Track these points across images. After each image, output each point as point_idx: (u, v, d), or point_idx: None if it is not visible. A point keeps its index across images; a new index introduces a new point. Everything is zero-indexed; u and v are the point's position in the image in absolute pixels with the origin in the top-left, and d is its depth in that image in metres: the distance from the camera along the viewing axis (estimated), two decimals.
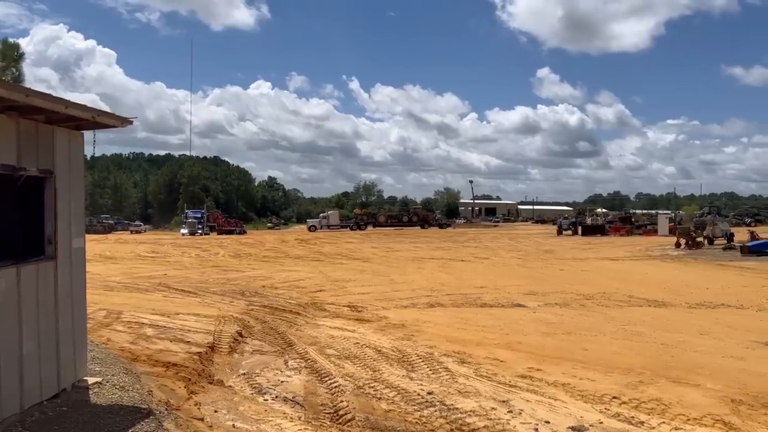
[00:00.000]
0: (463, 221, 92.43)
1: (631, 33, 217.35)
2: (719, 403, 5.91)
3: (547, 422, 5.49)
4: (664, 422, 5.44)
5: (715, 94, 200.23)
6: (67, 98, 4.79)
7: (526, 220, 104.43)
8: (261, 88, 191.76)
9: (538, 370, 7.26)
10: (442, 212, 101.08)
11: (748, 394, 6.16)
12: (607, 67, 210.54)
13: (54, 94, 4.65)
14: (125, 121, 5.51)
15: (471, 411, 5.81)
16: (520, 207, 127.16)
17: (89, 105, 5.11)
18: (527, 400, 6.13)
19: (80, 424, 4.41)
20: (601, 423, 5.45)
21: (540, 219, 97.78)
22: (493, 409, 5.88)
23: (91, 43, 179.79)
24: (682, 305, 12.33)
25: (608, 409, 5.80)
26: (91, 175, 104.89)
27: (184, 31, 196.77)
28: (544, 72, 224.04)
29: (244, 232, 60.71)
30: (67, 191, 5.14)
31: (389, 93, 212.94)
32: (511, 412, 5.80)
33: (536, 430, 5.35)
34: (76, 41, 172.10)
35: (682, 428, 5.29)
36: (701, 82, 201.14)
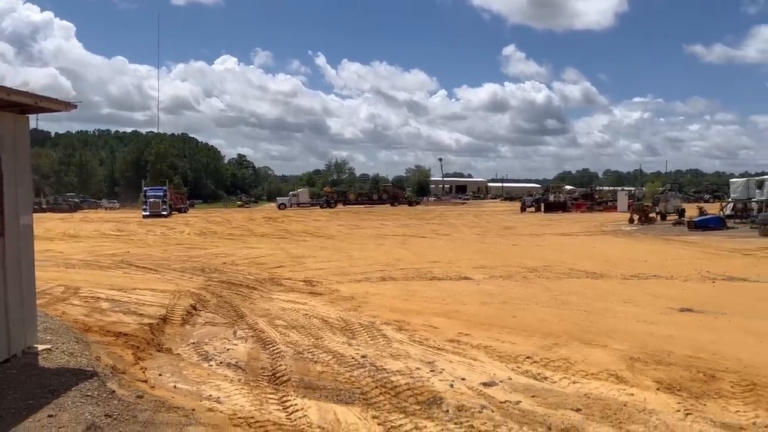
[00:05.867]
0: (433, 199, 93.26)
1: (594, 11, 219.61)
2: (618, 360, 6.59)
3: (463, 379, 6.09)
4: (565, 377, 6.09)
5: (677, 71, 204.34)
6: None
7: (495, 198, 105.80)
8: (226, 63, 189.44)
9: (466, 335, 7.87)
10: (413, 190, 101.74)
11: (647, 352, 6.86)
12: (572, 44, 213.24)
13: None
14: (69, 106, 5.86)
15: (397, 371, 6.38)
16: (490, 184, 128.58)
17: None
18: (450, 361, 6.73)
19: (28, 384, 4.86)
20: (510, 379, 6.07)
21: (509, 196, 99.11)
22: (417, 369, 6.46)
23: (48, 15, 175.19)
24: (618, 276, 13.12)
25: (519, 367, 6.43)
26: (56, 153, 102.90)
27: (143, 5, 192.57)
28: (510, 49, 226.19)
29: (186, 211, 59.40)
30: (13, 173, 5.49)
31: (356, 69, 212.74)
32: (433, 371, 6.38)
33: (451, 385, 5.94)
34: (32, 13, 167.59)
35: (579, 382, 5.95)
36: (664, 59, 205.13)
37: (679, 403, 5.35)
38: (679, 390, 5.67)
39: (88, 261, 16.82)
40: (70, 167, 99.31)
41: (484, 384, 5.95)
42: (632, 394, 5.57)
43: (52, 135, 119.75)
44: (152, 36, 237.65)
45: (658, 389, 5.70)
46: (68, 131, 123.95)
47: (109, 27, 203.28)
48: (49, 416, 4.17)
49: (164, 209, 49.82)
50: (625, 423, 4.94)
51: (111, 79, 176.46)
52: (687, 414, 5.10)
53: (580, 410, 5.21)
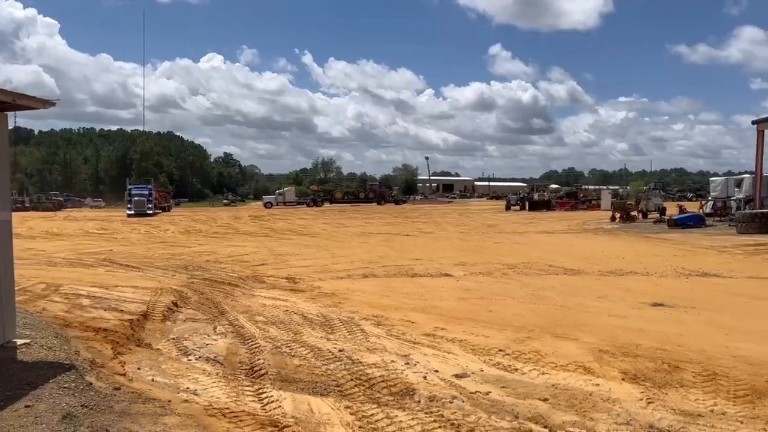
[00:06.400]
0: (420, 198, 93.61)
1: (579, 10, 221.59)
2: (588, 353, 6.78)
3: (436, 371, 6.25)
4: (535, 369, 6.28)
5: (662, 71, 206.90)
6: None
7: (482, 197, 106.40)
8: (212, 61, 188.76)
9: (442, 329, 8.04)
10: (400, 189, 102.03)
11: (615, 345, 7.06)
12: (558, 44, 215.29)
13: None
14: (47, 104, 5.93)
15: (373, 364, 6.53)
16: (476, 183, 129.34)
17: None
18: (425, 354, 6.89)
19: (5, 376, 4.95)
20: (482, 371, 6.24)
21: (495, 195, 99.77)
22: (392, 361, 6.61)
23: (32, 11, 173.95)
24: (595, 273, 13.36)
25: (491, 360, 6.61)
26: (39, 151, 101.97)
27: (128, 2, 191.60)
28: (496, 49, 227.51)
29: (170, 209, 58.35)
30: None
31: (343, 68, 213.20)
32: (408, 364, 6.54)
33: (425, 377, 6.10)
34: (15, 10, 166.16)
35: (548, 373, 6.13)
36: (648, 59, 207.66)
37: (642, 392, 5.55)
38: (643, 380, 5.87)
39: (71, 259, 16.80)
40: (54, 165, 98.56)
41: (457, 376, 6.12)
42: (598, 385, 5.76)
43: (36, 133, 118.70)
44: (137, 33, 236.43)
45: (623, 379, 5.89)
46: (52, 129, 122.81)
47: (94, 24, 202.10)
48: (26, 406, 4.27)
49: (150, 208, 48.84)
50: (590, 411, 5.12)
51: (96, 77, 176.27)
52: (649, 402, 5.29)
53: (547, 399, 5.39)
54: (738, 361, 6.40)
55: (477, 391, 5.61)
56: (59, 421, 3.99)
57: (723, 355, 6.63)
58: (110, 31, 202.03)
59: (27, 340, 6.03)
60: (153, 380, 5.88)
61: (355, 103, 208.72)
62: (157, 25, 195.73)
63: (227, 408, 5.06)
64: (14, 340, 5.90)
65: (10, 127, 6.12)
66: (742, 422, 4.86)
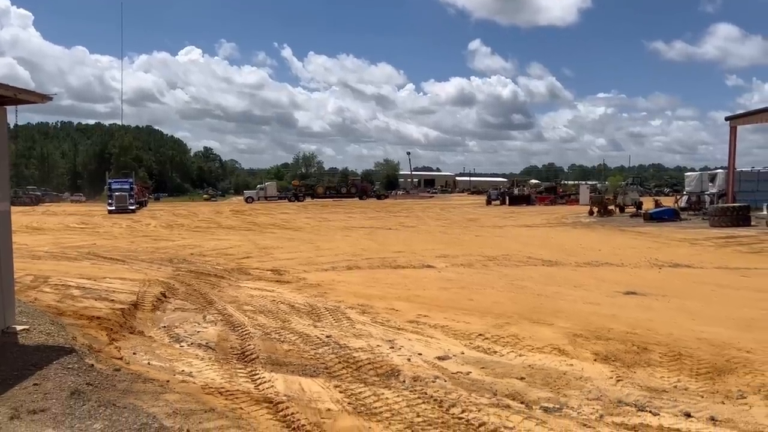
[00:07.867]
0: (402, 192, 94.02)
1: (558, 6, 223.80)
2: (563, 337, 7.17)
3: (420, 354, 6.59)
4: (512, 351, 6.65)
5: (639, 68, 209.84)
6: None
7: (463, 192, 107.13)
8: (190, 54, 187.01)
9: (425, 316, 8.38)
10: (381, 184, 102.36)
11: (588, 329, 7.46)
12: (537, 40, 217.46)
13: None
14: (45, 98, 6.13)
15: (359, 348, 6.84)
16: (457, 178, 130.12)
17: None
18: (409, 339, 7.22)
19: (10, 358, 5.18)
20: (463, 353, 6.60)
21: (476, 190, 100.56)
22: (378, 346, 6.93)
23: (5, 3, 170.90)
24: (572, 264, 13.82)
25: (471, 343, 6.96)
26: (15, 145, 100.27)
27: None
28: (475, 44, 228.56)
29: (146, 204, 56.04)
30: None
31: (323, 62, 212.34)
32: (393, 348, 6.86)
33: (409, 359, 6.43)
34: None
35: (524, 355, 6.50)
36: (626, 56, 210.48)
37: (612, 371, 5.94)
38: (613, 360, 6.27)
39: (54, 253, 16.84)
40: (31, 160, 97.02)
41: (439, 358, 6.46)
42: (572, 365, 6.14)
43: (11, 126, 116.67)
44: (113, 26, 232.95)
45: (595, 360, 6.29)
46: (28, 123, 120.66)
47: (69, 16, 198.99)
48: (35, 384, 4.51)
49: (131, 203, 45.50)
50: (563, 388, 5.49)
51: (71, 70, 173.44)
52: (618, 380, 5.68)
53: (524, 378, 5.75)
54: (702, 343, 6.83)
55: (458, 372, 5.95)
56: (68, 396, 4.24)
57: (689, 338, 7.06)
58: (86, 23, 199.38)
59: (26, 326, 6.24)
60: (149, 363, 6.13)
61: (336, 97, 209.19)
62: (135, 17, 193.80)
63: (223, 387, 5.34)
64: (14, 326, 6.11)
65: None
66: (702, 396, 5.27)
